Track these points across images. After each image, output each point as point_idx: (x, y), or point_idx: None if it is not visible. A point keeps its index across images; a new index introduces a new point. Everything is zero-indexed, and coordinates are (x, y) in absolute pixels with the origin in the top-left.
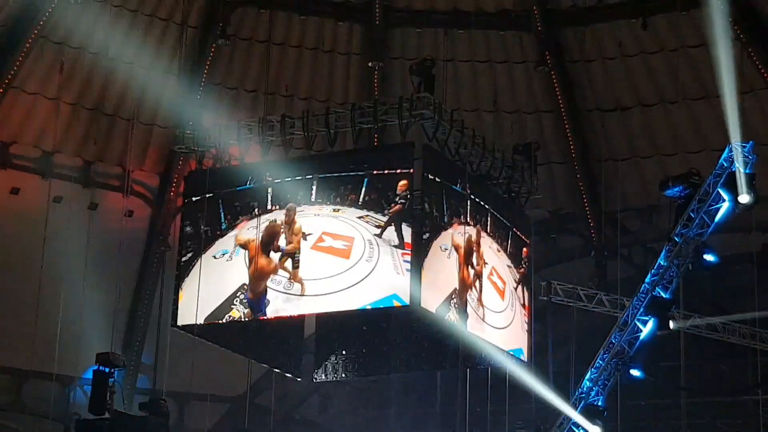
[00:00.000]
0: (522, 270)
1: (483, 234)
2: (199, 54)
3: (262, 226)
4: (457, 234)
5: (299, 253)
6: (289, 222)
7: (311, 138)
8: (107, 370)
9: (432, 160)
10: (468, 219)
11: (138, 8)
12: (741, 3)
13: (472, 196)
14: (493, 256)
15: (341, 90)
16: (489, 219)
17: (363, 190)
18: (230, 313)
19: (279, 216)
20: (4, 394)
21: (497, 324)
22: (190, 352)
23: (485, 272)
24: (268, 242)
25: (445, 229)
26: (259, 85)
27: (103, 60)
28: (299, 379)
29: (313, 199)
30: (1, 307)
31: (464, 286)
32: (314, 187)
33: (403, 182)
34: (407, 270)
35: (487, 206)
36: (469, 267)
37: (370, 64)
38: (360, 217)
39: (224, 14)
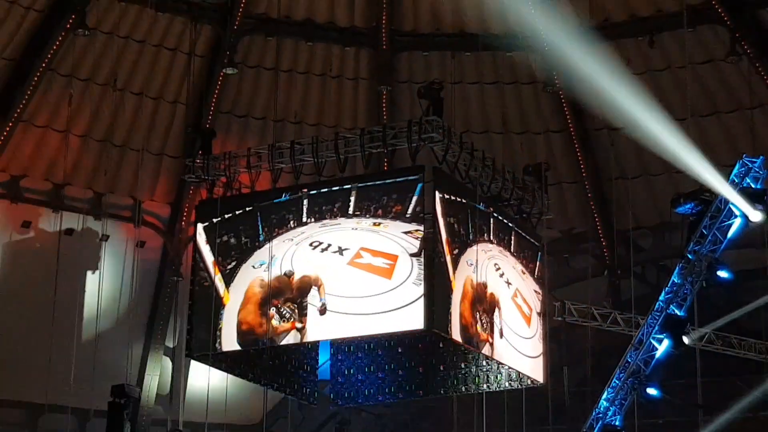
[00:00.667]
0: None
1: (507, 254)
2: (207, 83)
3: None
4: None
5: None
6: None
7: (321, 164)
8: (122, 401)
9: (443, 182)
10: (492, 237)
11: (145, 39)
12: (747, 18)
13: (495, 214)
14: (517, 277)
15: (350, 115)
16: (513, 239)
17: (413, 199)
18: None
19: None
20: (20, 429)
21: (523, 350)
22: (206, 381)
23: (509, 293)
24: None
25: (471, 246)
26: (268, 113)
27: (111, 91)
28: (315, 406)
29: (351, 211)
30: (16, 340)
31: (491, 306)
32: (353, 198)
33: None
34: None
35: (511, 224)
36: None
37: (378, 89)
38: (406, 232)
39: (232, 42)
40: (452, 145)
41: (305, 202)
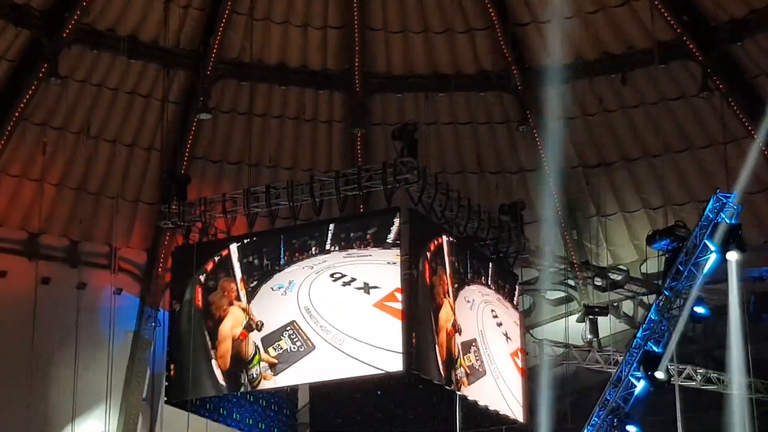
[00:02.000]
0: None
1: (503, 301)
2: (181, 129)
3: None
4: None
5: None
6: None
7: (297, 207)
8: None
9: (418, 224)
10: (489, 282)
11: (118, 86)
12: (718, 53)
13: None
14: (509, 321)
15: (324, 158)
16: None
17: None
18: (279, 343)
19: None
20: None
21: (506, 391)
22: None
23: (501, 337)
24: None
25: (468, 285)
26: (243, 157)
27: (85, 139)
28: None
29: (391, 240)
30: None
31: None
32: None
33: None
34: None
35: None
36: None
37: (352, 131)
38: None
39: (205, 88)
40: (427, 186)
41: (330, 228)
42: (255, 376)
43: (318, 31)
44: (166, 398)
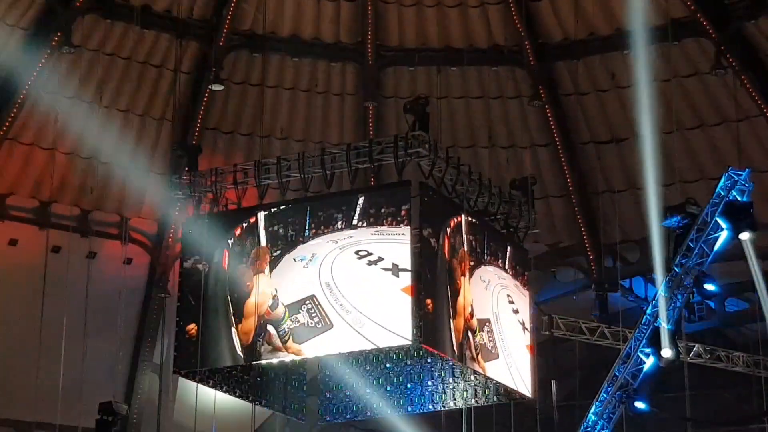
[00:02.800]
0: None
1: (516, 282)
2: (193, 99)
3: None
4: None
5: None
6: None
7: (308, 180)
8: (110, 419)
9: (433, 199)
10: (506, 265)
11: (131, 56)
12: (732, 31)
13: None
14: (520, 299)
15: (336, 131)
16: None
17: None
18: (296, 316)
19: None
20: None
21: (513, 367)
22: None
23: (512, 315)
24: None
25: (485, 265)
26: (254, 129)
27: (97, 109)
28: (304, 422)
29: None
30: (3, 358)
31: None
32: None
33: None
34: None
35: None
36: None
37: (364, 104)
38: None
39: (217, 59)
40: (438, 160)
41: (360, 201)
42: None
43: (331, 3)
44: (174, 368)
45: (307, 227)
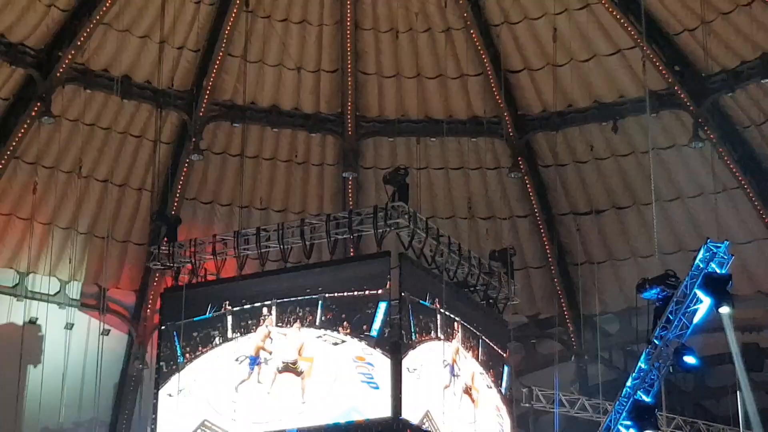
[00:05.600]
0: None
1: (456, 345)
2: (173, 169)
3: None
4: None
5: None
6: None
7: (287, 250)
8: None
9: (409, 269)
10: (438, 333)
11: (111, 126)
12: (709, 103)
13: (443, 311)
14: (467, 366)
15: (316, 201)
16: (459, 329)
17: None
18: None
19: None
20: None
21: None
22: None
23: (460, 384)
24: None
25: (413, 348)
26: (234, 199)
27: (76, 179)
28: None
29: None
30: None
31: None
32: (274, 310)
33: None
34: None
35: (456, 318)
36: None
37: (344, 175)
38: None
39: (197, 129)
40: (418, 231)
41: (229, 318)
42: None
43: (311, 75)
44: None
45: (179, 354)
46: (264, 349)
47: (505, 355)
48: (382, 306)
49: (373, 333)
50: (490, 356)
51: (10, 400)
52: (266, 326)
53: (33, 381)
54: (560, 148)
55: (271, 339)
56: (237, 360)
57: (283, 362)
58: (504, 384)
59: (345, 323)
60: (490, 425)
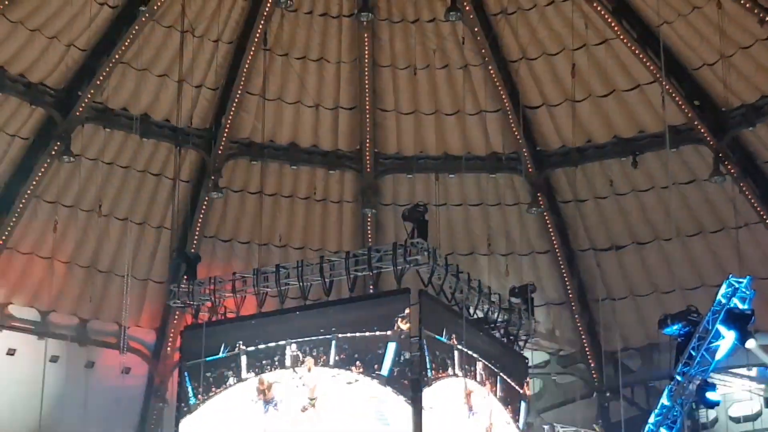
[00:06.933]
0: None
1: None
2: (192, 207)
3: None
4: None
5: None
6: None
7: (307, 288)
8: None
9: (428, 306)
10: (456, 370)
11: (130, 164)
12: (729, 138)
13: (459, 347)
14: (486, 403)
15: (335, 238)
16: (477, 366)
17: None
18: None
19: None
20: None
21: None
22: None
23: (479, 421)
24: None
25: (429, 385)
26: (253, 236)
27: (96, 217)
28: None
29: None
30: None
31: None
32: (288, 350)
33: None
34: None
35: (474, 354)
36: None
37: (363, 212)
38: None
39: (216, 167)
40: (438, 268)
41: (243, 358)
42: None
43: (330, 112)
44: None
45: (191, 395)
46: (277, 389)
47: (522, 390)
48: (391, 346)
49: (384, 372)
50: (509, 392)
51: None
52: (280, 367)
53: (54, 419)
54: (580, 183)
55: (285, 380)
56: (252, 401)
57: (298, 403)
58: (521, 420)
59: (357, 363)
60: None
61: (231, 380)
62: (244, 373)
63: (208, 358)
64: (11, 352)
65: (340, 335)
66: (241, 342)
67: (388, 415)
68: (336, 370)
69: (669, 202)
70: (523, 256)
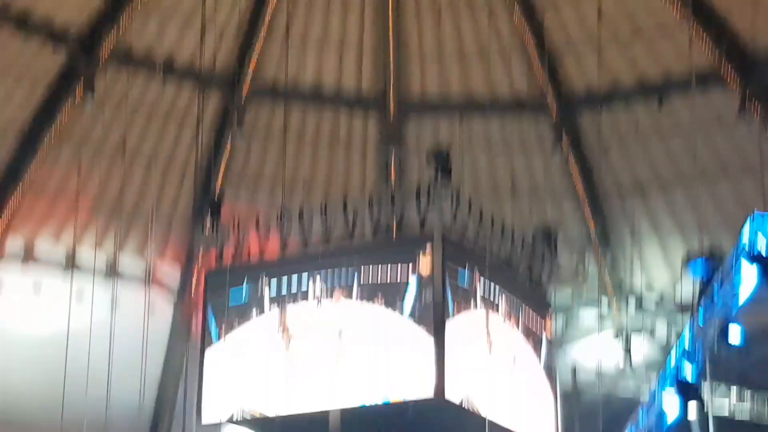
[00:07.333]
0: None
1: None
2: (215, 150)
3: None
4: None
5: None
6: None
7: (330, 230)
8: None
9: (450, 247)
10: (478, 304)
11: (153, 108)
12: (757, 77)
13: (482, 280)
14: (509, 339)
15: (358, 181)
16: (499, 300)
17: None
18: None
19: None
20: None
21: (533, 415)
22: None
23: (501, 356)
24: None
25: (452, 317)
26: (276, 179)
27: (119, 159)
28: None
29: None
30: (27, 404)
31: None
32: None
33: None
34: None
35: (496, 289)
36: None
37: (386, 155)
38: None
39: (239, 109)
40: (461, 210)
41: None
42: None
43: (353, 54)
44: (197, 417)
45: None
46: (300, 322)
47: (545, 324)
48: (413, 279)
49: (407, 305)
50: (532, 326)
51: (57, 374)
52: (302, 300)
53: (80, 355)
54: (604, 126)
55: (309, 312)
56: (275, 333)
57: (322, 335)
58: (543, 353)
59: (380, 295)
60: (531, 396)
61: (254, 313)
62: (267, 307)
63: (232, 293)
64: (37, 287)
65: (363, 267)
66: (264, 274)
67: (411, 348)
68: (360, 302)
69: (695, 145)
70: (546, 200)
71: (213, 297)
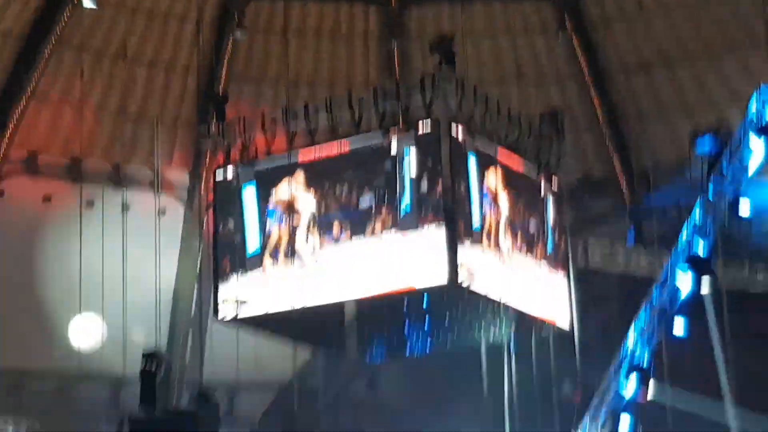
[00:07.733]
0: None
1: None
2: (216, 49)
3: None
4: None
5: None
6: None
7: (336, 123)
8: (153, 368)
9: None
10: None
11: (153, 7)
12: None
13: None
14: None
15: (362, 73)
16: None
17: None
18: None
19: None
20: (51, 397)
21: (546, 297)
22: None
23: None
24: None
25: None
26: (280, 76)
27: (122, 62)
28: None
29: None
30: (45, 311)
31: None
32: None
33: None
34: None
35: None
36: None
37: (389, 45)
38: None
39: (239, 7)
40: (466, 98)
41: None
42: None
43: None
44: (214, 315)
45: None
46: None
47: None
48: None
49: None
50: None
51: (72, 283)
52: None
53: (94, 264)
54: (608, 4)
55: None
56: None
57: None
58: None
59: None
60: (543, 278)
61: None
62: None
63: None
64: (47, 199)
65: None
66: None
67: (420, 240)
68: None
69: (699, 19)
70: (552, 84)
71: (222, 194)
